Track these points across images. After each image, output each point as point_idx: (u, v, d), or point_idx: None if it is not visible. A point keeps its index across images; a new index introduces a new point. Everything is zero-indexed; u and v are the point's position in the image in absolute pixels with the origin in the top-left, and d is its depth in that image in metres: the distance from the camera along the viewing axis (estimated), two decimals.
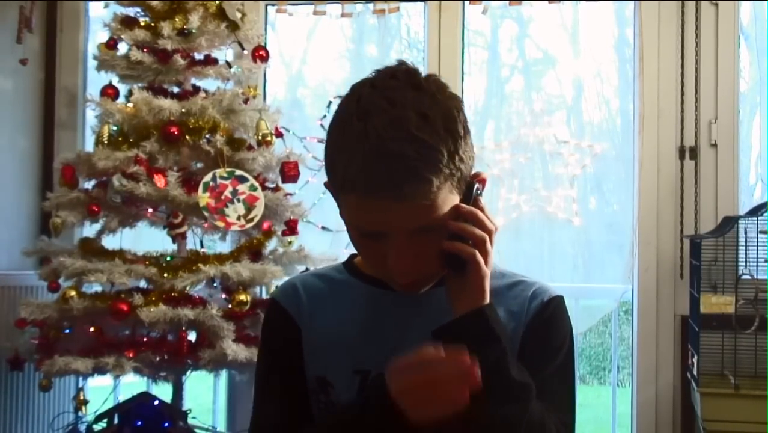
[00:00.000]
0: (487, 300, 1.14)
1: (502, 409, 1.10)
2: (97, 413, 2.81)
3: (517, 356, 1.19)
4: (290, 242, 2.99)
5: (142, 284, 2.83)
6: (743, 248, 2.84)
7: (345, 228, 1.19)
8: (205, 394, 3.82)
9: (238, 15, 3.01)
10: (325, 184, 1.20)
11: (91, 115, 3.24)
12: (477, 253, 1.12)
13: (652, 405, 3.15)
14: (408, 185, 1.05)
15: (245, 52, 3.05)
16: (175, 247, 2.95)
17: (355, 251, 1.26)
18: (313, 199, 3.36)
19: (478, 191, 1.16)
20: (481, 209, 1.14)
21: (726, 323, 2.71)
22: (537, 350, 1.21)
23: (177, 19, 2.90)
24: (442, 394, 1.04)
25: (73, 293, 2.71)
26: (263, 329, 1.33)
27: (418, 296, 1.20)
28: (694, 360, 2.74)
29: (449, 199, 1.11)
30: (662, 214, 3.17)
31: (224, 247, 3.05)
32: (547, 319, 1.23)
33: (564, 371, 1.24)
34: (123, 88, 2.99)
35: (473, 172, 1.16)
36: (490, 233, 1.14)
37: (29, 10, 3.35)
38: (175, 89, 3.00)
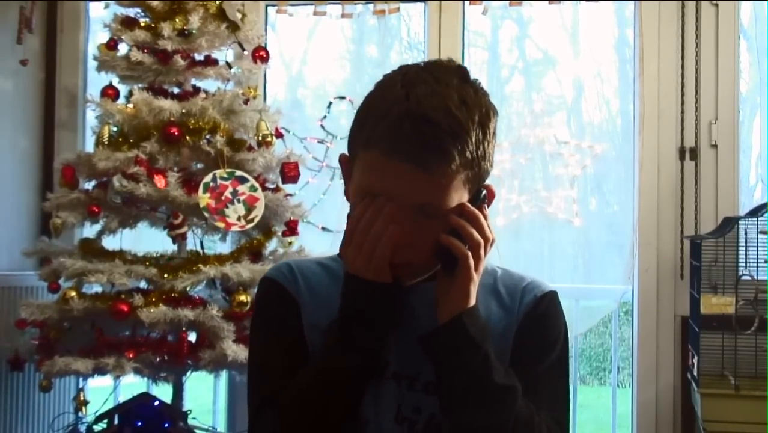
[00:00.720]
0: (470, 304, 1.14)
1: (486, 414, 1.11)
2: (98, 413, 2.81)
3: (510, 352, 1.20)
4: (290, 243, 2.99)
5: (143, 284, 2.84)
6: (743, 248, 2.84)
7: (351, 202, 1.17)
8: (205, 394, 3.82)
9: (239, 15, 3.01)
10: (341, 158, 1.21)
11: (91, 116, 3.24)
12: (470, 255, 1.13)
13: (653, 406, 3.15)
14: (431, 154, 1.07)
15: (245, 52, 3.05)
16: (175, 247, 2.95)
17: None
18: (314, 200, 3.36)
19: (485, 200, 1.17)
20: (485, 217, 1.15)
21: (726, 323, 2.71)
22: (530, 346, 1.21)
23: (177, 20, 2.90)
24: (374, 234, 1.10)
25: (73, 293, 2.71)
26: (257, 308, 1.30)
27: (411, 287, 1.19)
28: (695, 361, 2.74)
29: (460, 191, 1.11)
30: (662, 215, 3.17)
31: (224, 247, 3.05)
32: (541, 315, 1.23)
33: (558, 367, 1.23)
34: (123, 89, 2.98)
35: (486, 183, 1.17)
36: (486, 240, 1.14)
37: (29, 11, 3.35)
38: (176, 90, 3.00)
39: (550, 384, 1.21)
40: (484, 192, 1.17)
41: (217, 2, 2.98)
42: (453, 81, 1.11)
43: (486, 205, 1.17)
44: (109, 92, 2.93)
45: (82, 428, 2.89)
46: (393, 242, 1.10)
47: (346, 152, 1.20)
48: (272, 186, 2.95)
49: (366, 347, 1.14)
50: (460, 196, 1.12)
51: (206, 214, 2.73)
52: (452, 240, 1.12)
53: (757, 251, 2.82)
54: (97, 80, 3.10)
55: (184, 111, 2.80)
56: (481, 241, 1.13)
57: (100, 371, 2.66)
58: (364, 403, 1.18)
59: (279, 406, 1.17)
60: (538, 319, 1.22)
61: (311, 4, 3.47)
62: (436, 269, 1.17)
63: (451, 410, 1.14)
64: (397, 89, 1.10)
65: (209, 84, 3.05)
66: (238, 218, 2.76)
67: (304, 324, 1.22)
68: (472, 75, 1.16)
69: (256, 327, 1.29)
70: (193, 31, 2.89)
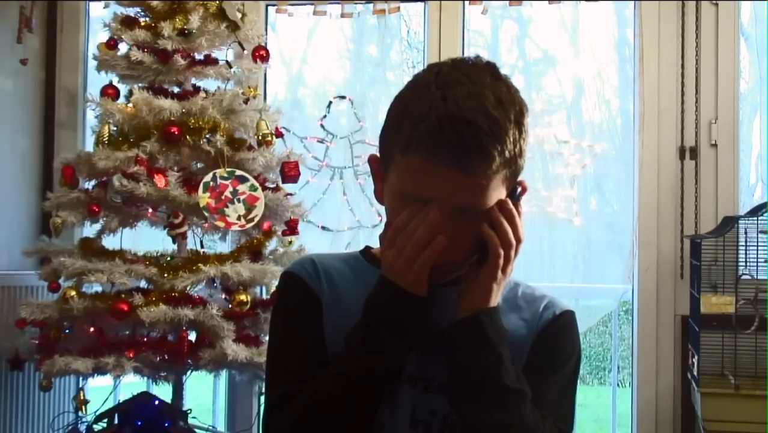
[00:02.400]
0: (491, 304, 1.14)
1: (492, 414, 1.12)
2: (98, 413, 2.81)
3: (524, 363, 1.20)
4: (290, 242, 2.99)
5: (143, 284, 2.83)
6: (743, 248, 2.84)
7: (387, 205, 1.17)
8: (205, 394, 3.82)
9: (239, 15, 3.01)
10: (371, 159, 1.21)
11: (91, 115, 3.24)
12: (502, 254, 1.13)
13: (653, 405, 3.15)
14: (473, 156, 1.07)
15: (245, 52, 3.05)
16: (175, 247, 2.95)
17: (369, 244, 1.27)
18: (314, 200, 3.36)
19: (519, 197, 1.17)
20: (519, 215, 1.16)
21: (726, 323, 2.71)
22: (543, 359, 1.22)
23: (177, 19, 2.89)
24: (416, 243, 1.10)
25: (73, 293, 2.71)
26: (280, 301, 1.30)
27: (437, 291, 1.18)
28: (695, 360, 2.74)
29: (499, 190, 1.12)
30: (662, 215, 3.17)
31: (224, 247, 3.05)
32: (557, 331, 1.24)
33: (567, 384, 1.25)
34: (123, 88, 2.98)
35: (519, 179, 1.18)
36: (519, 242, 1.15)
37: (29, 10, 3.35)
38: (176, 89, 3.00)
39: (558, 397, 1.22)
40: (520, 189, 1.17)
41: (217, 2, 2.97)
42: (486, 80, 1.11)
43: (520, 201, 1.17)
44: (109, 92, 2.93)
45: (82, 427, 2.89)
46: (439, 251, 1.11)
47: (375, 153, 1.20)
48: (272, 185, 2.95)
49: (393, 355, 1.14)
50: (498, 194, 1.12)
51: (206, 214, 2.73)
52: (492, 235, 1.13)
53: (757, 250, 2.82)
54: (97, 80, 3.10)
55: (184, 110, 2.80)
56: (514, 242, 1.14)
57: (100, 370, 2.65)
58: (382, 408, 1.18)
59: (297, 406, 1.17)
60: (555, 334, 1.24)
61: (311, 4, 3.47)
62: (466, 267, 1.17)
63: (458, 406, 1.15)
64: (432, 91, 1.10)
65: (209, 83, 3.05)
66: (238, 218, 2.76)
67: (324, 321, 1.22)
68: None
69: (276, 321, 1.29)
70: (193, 31, 2.89)
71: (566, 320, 1.25)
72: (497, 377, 1.12)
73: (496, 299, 1.15)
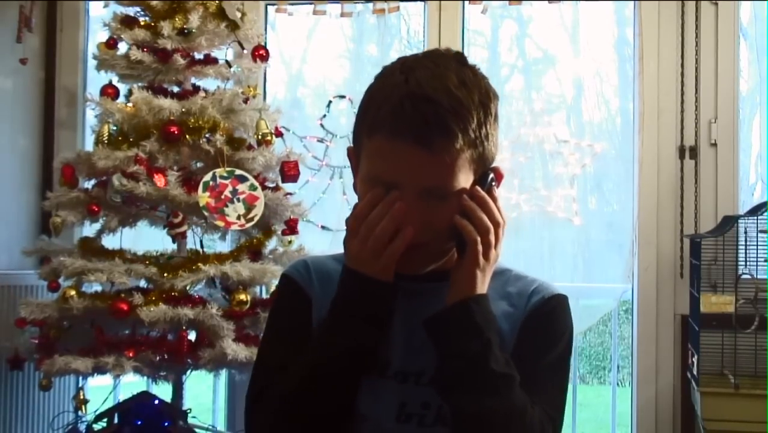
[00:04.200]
0: (478, 291, 1.14)
1: (480, 400, 1.12)
2: (97, 412, 2.81)
3: (513, 346, 1.20)
4: (290, 242, 2.99)
5: (142, 283, 2.83)
6: (743, 247, 2.84)
7: (359, 192, 1.18)
8: (205, 393, 3.82)
9: (238, 14, 3.01)
10: (349, 151, 1.22)
11: (91, 115, 3.24)
12: (479, 241, 1.13)
13: (652, 405, 3.16)
14: (434, 133, 1.08)
15: (245, 51, 3.05)
16: (175, 246, 2.95)
17: None
18: (313, 199, 3.36)
19: (494, 182, 1.17)
20: (494, 200, 1.16)
21: (726, 322, 2.71)
22: (532, 341, 1.21)
23: (177, 19, 2.89)
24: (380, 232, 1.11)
25: (73, 292, 2.71)
26: (273, 302, 1.35)
27: (424, 287, 1.20)
28: (694, 360, 2.74)
29: (465, 172, 1.12)
30: (662, 214, 3.17)
31: (224, 246, 3.05)
32: (546, 313, 1.23)
33: (557, 368, 1.23)
34: (123, 88, 2.98)
35: (494, 165, 1.18)
36: (497, 225, 1.15)
37: (29, 10, 3.35)
38: (175, 89, 3.00)
39: (548, 381, 1.21)
40: (492, 175, 1.17)
41: (217, 1, 2.97)
42: (451, 64, 1.13)
43: (496, 187, 1.18)
44: (109, 91, 2.93)
45: (82, 427, 2.89)
46: (406, 244, 1.12)
47: (352, 145, 1.22)
48: (272, 185, 2.95)
49: (358, 338, 1.15)
50: (466, 177, 1.13)
51: (206, 213, 2.73)
52: (465, 223, 1.13)
53: (757, 249, 2.82)
54: (96, 79, 3.10)
55: (183, 110, 2.80)
56: (491, 226, 1.14)
57: (99, 370, 2.65)
58: (364, 401, 1.19)
59: (272, 398, 1.18)
60: (543, 317, 1.23)
61: (311, 3, 3.47)
62: (447, 257, 1.18)
63: (446, 393, 1.15)
64: (396, 76, 1.12)
65: (209, 83, 3.05)
66: (238, 217, 2.76)
67: (314, 319, 1.24)
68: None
69: (268, 322, 1.33)
70: (193, 30, 2.89)
71: (556, 303, 1.24)
72: (485, 363, 1.12)
73: (483, 286, 1.15)
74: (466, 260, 1.14)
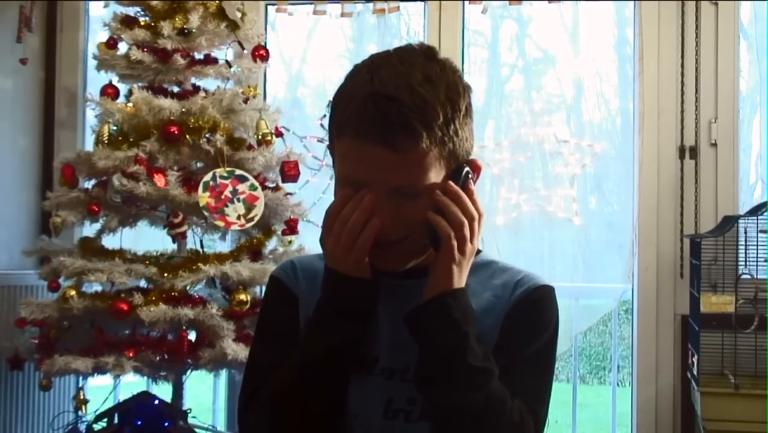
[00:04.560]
0: (455, 285, 1.14)
1: (454, 393, 1.12)
2: (97, 412, 2.81)
3: (497, 337, 1.20)
4: (290, 242, 2.99)
5: (142, 283, 2.83)
6: (743, 247, 2.84)
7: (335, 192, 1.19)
8: (205, 393, 3.82)
9: (238, 14, 3.01)
10: (328, 147, 1.22)
11: (91, 115, 3.24)
12: (452, 235, 1.13)
13: (652, 405, 3.16)
14: (398, 132, 1.07)
15: (245, 51, 3.05)
16: (175, 246, 2.95)
17: None
18: (313, 199, 3.36)
19: (470, 176, 1.17)
20: (470, 194, 1.15)
21: (726, 322, 2.71)
22: (515, 333, 1.21)
23: (177, 19, 2.89)
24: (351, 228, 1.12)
25: (73, 292, 2.71)
26: (262, 303, 1.35)
27: (407, 283, 1.20)
28: (694, 360, 2.74)
29: (435, 170, 1.12)
30: (662, 214, 3.17)
31: (224, 246, 3.05)
32: (531, 304, 1.22)
33: (541, 359, 1.22)
34: (123, 88, 2.98)
35: (470, 158, 1.17)
36: (471, 218, 1.14)
37: (29, 10, 3.35)
38: (175, 89, 3.00)
39: (530, 372, 1.20)
40: (467, 169, 1.16)
41: (217, 1, 2.97)
42: (418, 60, 1.12)
43: (472, 181, 1.17)
44: (109, 91, 2.93)
45: (82, 427, 2.89)
46: (374, 234, 1.12)
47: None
48: (272, 185, 2.95)
49: (341, 334, 1.16)
50: (437, 174, 1.12)
51: (206, 213, 2.73)
52: (438, 219, 1.13)
53: (757, 249, 2.82)
54: (96, 79, 3.10)
55: (183, 110, 2.80)
56: (465, 220, 1.14)
57: (99, 370, 2.65)
58: (353, 399, 1.20)
59: (263, 400, 1.20)
60: (527, 307, 1.22)
61: (311, 3, 3.47)
62: (428, 253, 1.18)
63: (424, 388, 1.15)
64: (362, 74, 1.12)
65: (209, 83, 3.05)
66: (238, 217, 2.76)
67: (302, 317, 1.25)
68: (441, 56, 1.17)
69: (257, 324, 1.34)
70: (193, 30, 2.89)
71: (540, 294, 1.23)
72: (462, 357, 1.11)
73: (460, 280, 1.15)
74: (442, 254, 1.14)
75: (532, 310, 1.22)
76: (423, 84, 1.09)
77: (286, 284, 1.28)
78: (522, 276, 1.25)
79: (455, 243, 1.13)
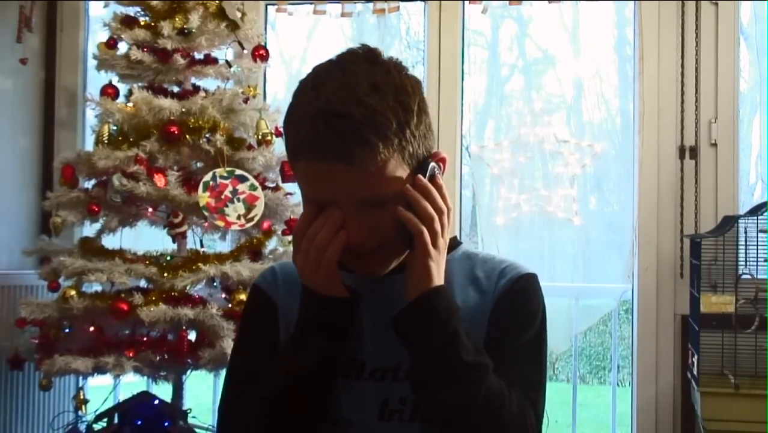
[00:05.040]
0: (435, 282, 1.13)
1: (454, 392, 1.11)
2: (97, 412, 2.81)
3: (486, 330, 1.19)
4: (290, 242, 2.99)
5: (142, 283, 2.83)
6: (743, 247, 2.84)
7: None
8: (205, 393, 3.82)
9: (238, 14, 3.01)
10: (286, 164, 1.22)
11: (91, 115, 3.24)
12: (425, 231, 1.12)
13: (653, 405, 3.16)
14: (353, 148, 1.06)
15: (245, 51, 3.05)
16: (175, 246, 2.95)
17: None
18: None
19: (436, 170, 1.16)
20: (439, 188, 1.15)
21: (726, 322, 2.71)
22: (503, 323, 1.20)
23: (177, 19, 2.90)
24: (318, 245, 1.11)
25: (73, 292, 2.71)
26: (243, 311, 1.34)
27: (385, 280, 1.20)
28: (694, 359, 2.74)
29: (399, 173, 1.11)
30: (662, 214, 3.17)
31: (224, 246, 3.05)
32: (516, 293, 1.22)
33: (533, 347, 1.22)
34: (123, 88, 2.98)
35: (433, 151, 1.17)
36: (440, 212, 1.14)
37: (29, 10, 3.35)
38: (175, 89, 3.00)
39: (524, 362, 1.20)
40: (432, 163, 1.15)
41: (217, 1, 2.98)
42: (361, 68, 1.10)
43: (440, 175, 1.16)
44: (109, 91, 2.93)
45: (82, 426, 2.89)
46: (340, 249, 1.12)
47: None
48: (272, 185, 2.95)
49: (318, 353, 1.15)
50: (401, 176, 1.11)
51: (206, 213, 2.73)
52: (408, 215, 1.12)
53: (757, 249, 2.82)
54: (96, 79, 3.10)
55: (183, 110, 2.80)
56: (435, 215, 1.13)
57: (99, 369, 2.66)
58: (345, 406, 1.19)
59: (242, 413, 1.20)
60: (513, 297, 1.21)
61: (311, 3, 3.47)
62: (401, 255, 1.17)
63: (420, 390, 1.15)
64: (308, 92, 1.11)
65: (209, 83, 3.05)
66: (238, 217, 2.76)
67: (281, 325, 1.25)
68: (385, 55, 1.15)
69: (237, 333, 1.35)
70: (193, 30, 2.89)
71: (525, 282, 1.23)
72: (455, 355, 1.11)
73: (439, 277, 1.14)
74: (416, 252, 1.13)
75: (519, 300, 1.22)
76: (370, 94, 1.07)
77: (266, 291, 1.28)
78: (505, 266, 1.24)
79: (428, 239, 1.12)
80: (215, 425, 1.28)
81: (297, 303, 1.21)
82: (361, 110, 1.06)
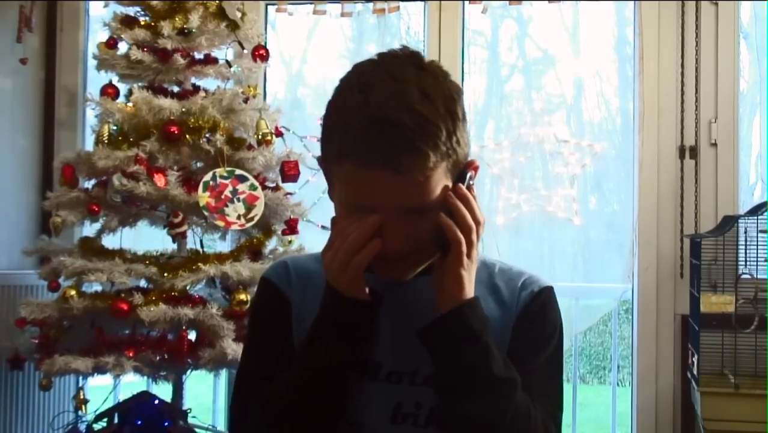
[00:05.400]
0: (468, 294, 1.13)
1: (485, 405, 1.11)
2: (97, 412, 2.81)
3: (508, 346, 1.19)
4: (290, 242, 2.99)
5: (142, 283, 2.83)
6: (743, 247, 2.84)
7: (336, 211, 1.18)
8: (205, 393, 3.82)
9: (238, 14, 3.01)
10: (319, 160, 1.19)
11: (91, 115, 3.24)
12: (463, 241, 1.11)
13: (652, 404, 3.16)
14: (404, 156, 1.05)
15: (245, 51, 3.05)
16: (175, 246, 2.95)
17: None
18: (313, 199, 3.36)
19: (471, 179, 1.16)
20: (473, 198, 1.14)
21: (726, 322, 2.71)
22: (527, 341, 1.21)
23: (177, 19, 2.89)
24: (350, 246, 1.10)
25: (73, 292, 2.71)
26: (253, 305, 1.32)
27: (407, 282, 1.19)
28: (694, 359, 2.74)
29: (442, 182, 1.10)
30: (662, 214, 3.17)
31: (224, 246, 3.05)
32: (537, 310, 1.22)
33: (553, 363, 1.23)
34: (123, 88, 2.98)
35: (469, 160, 1.16)
36: (477, 223, 1.13)
37: (29, 10, 3.35)
38: (175, 88, 3.00)
39: (546, 378, 1.21)
40: (470, 172, 1.15)
41: (217, 1, 2.97)
42: (410, 73, 1.09)
43: (473, 183, 1.16)
44: (109, 91, 2.93)
45: (82, 426, 2.89)
46: (371, 256, 1.10)
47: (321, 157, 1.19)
48: (272, 185, 2.95)
49: (334, 350, 1.14)
50: (444, 185, 1.11)
51: (206, 213, 2.73)
52: (449, 222, 1.11)
53: (757, 249, 2.82)
54: (96, 79, 3.10)
55: (183, 110, 2.80)
56: (473, 225, 1.12)
57: (100, 369, 2.65)
58: (357, 406, 1.18)
59: (255, 413, 1.19)
60: (535, 314, 1.22)
61: (311, 3, 3.47)
62: (434, 258, 1.16)
63: (449, 401, 1.14)
64: (355, 95, 1.08)
65: (209, 83, 3.05)
66: (238, 217, 2.76)
67: (294, 322, 1.23)
68: (427, 58, 1.14)
69: (248, 328, 1.32)
70: (193, 30, 2.89)
71: (545, 297, 1.23)
72: (486, 368, 1.11)
73: (471, 288, 1.14)
74: (451, 261, 1.12)
75: (541, 316, 1.22)
76: (422, 101, 1.06)
77: (279, 287, 1.25)
78: (525, 278, 1.24)
79: (464, 248, 1.12)
80: (227, 426, 1.26)
81: (310, 300, 1.20)
82: (413, 119, 1.05)
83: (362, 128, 1.05)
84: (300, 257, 1.31)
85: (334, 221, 1.16)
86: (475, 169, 1.16)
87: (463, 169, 1.14)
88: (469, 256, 1.12)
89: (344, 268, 1.11)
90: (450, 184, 1.12)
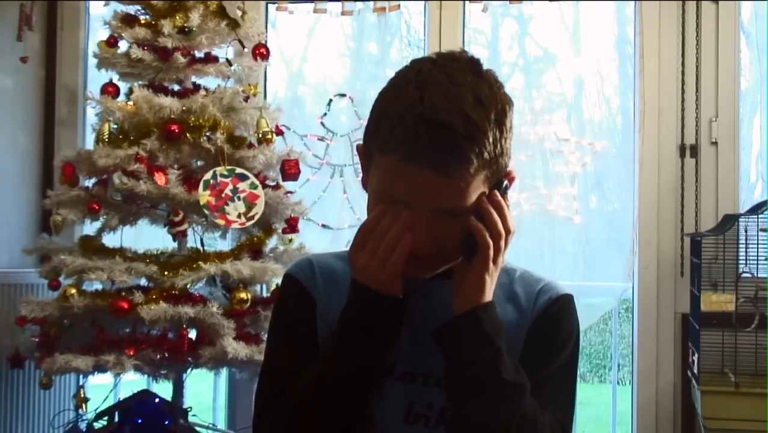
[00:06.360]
0: (486, 298, 1.13)
1: (491, 408, 1.11)
2: (98, 411, 2.80)
3: (521, 351, 1.20)
4: (290, 240, 2.99)
5: (143, 281, 2.83)
6: (744, 245, 2.84)
7: (369, 200, 1.17)
8: (205, 392, 3.82)
9: (239, 13, 3.01)
10: (359, 148, 1.19)
11: (91, 113, 3.24)
12: (491, 246, 1.12)
13: (653, 403, 3.16)
14: (449, 159, 1.06)
15: (246, 50, 3.05)
16: (175, 245, 2.94)
17: None
18: (314, 198, 3.36)
19: (507, 189, 1.16)
20: (507, 207, 1.15)
21: (726, 321, 2.71)
22: (540, 346, 1.21)
23: (177, 17, 2.89)
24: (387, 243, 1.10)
25: (73, 290, 2.71)
26: (277, 302, 1.32)
27: (429, 285, 1.19)
28: (695, 358, 2.74)
29: (479, 189, 1.11)
30: (663, 212, 3.17)
31: (225, 245, 3.05)
32: (554, 316, 1.22)
33: (566, 370, 1.23)
34: (123, 86, 2.98)
35: (507, 169, 1.16)
36: (508, 232, 1.14)
37: (29, 8, 3.35)
38: (176, 87, 3.00)
39: (557, 385, 1.21)
40: (506, 182, 1.16)
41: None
42: (467, 78, 1.09)
43: (507, 192, 1.17)
44: (110, 89, 2.93)
45: (83, 425, 2.89)
46: (407, 250, 1.10)
47: (361, 142, 1.19)
48: (272, 183, 2.95)
49: (371, 354, 1.14)
50: (481, 192, 1.11)
51: (206, 212, 2.73)
52: (480, 227, 1.12)
53: (758, 248, 2.82)
54: (97, 78, 3.10)
55: (184, 108, 2.79)
56: (503, 232, 1.13)
57: (100, 368, 2.66)
58: (371, 403, 1.18)
59: (280, 409, 1.18)
60: (550, 320, 1.22)
61: (311, 2, 3.46)
62: (456, 261, 1.16)
63: (457, 402, 1.14)
64: (410, 91, 1.08)
65: (209, 81, 3.05)
66: (239, 215, 2.76)
67: (319, 321, 1.23)
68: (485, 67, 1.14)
69: (272, 324, 1.31)
70: (194, 29, 2.89)
71: (563, 304, 1.23)
72: (496, 372, 1.11)
73: (490, 292, 1.14)
74: (476, 264, 1.13)
75: (556, 322, 1.22)
76: (475, 108, 1.06)
77: (304, 285, 1.25)
78: (543, 285, 1.24)
79: (492, 254, 1.12)
80: (252, 420, 1.25)
81: (334, 299, 1.20)
82: (465, 124, 1.05)
83: (412, 124, 1.06)
84: (324, 256, 1.31)
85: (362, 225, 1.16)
86: (512, 179, 1.17)
87: (500, 179, 1.15)
88: (495, 262, 1.13)
89: (383, 265, 1.11)
90: (486, 192, 1.12)
